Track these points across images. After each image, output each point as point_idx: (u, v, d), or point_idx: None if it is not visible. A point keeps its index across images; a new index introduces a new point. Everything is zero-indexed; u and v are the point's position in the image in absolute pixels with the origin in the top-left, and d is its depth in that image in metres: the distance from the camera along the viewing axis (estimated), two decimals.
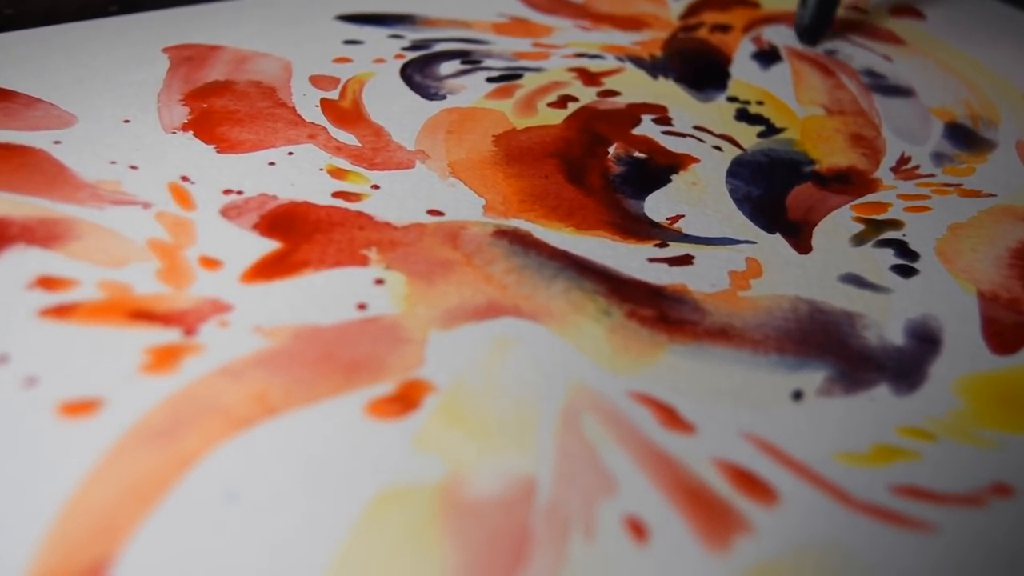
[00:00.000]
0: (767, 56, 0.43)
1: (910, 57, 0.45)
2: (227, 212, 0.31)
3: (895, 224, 0.35)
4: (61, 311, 0.27)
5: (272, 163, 0.33)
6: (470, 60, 0.40)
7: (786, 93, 0.41)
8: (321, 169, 0.33)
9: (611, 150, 0.36)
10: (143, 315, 0.27)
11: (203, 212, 0.31)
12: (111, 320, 0.27)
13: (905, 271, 0.33)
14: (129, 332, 0.27)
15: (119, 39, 0.39)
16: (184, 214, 0.31)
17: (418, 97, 0.37)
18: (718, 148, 0.37)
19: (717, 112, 0.39)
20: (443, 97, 0.37)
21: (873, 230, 0.34)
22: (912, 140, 0.39)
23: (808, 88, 0.41)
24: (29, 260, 0.29)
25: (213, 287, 0.28)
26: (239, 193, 0.32)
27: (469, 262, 0.30)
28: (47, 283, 0.28)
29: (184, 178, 0.32)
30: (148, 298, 0.28)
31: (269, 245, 0.30)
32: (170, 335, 0.27)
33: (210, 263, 0.29)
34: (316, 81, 0.38)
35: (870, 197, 0.36)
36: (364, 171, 0.33)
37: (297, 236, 0.30)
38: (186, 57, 0.38)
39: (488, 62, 0.40)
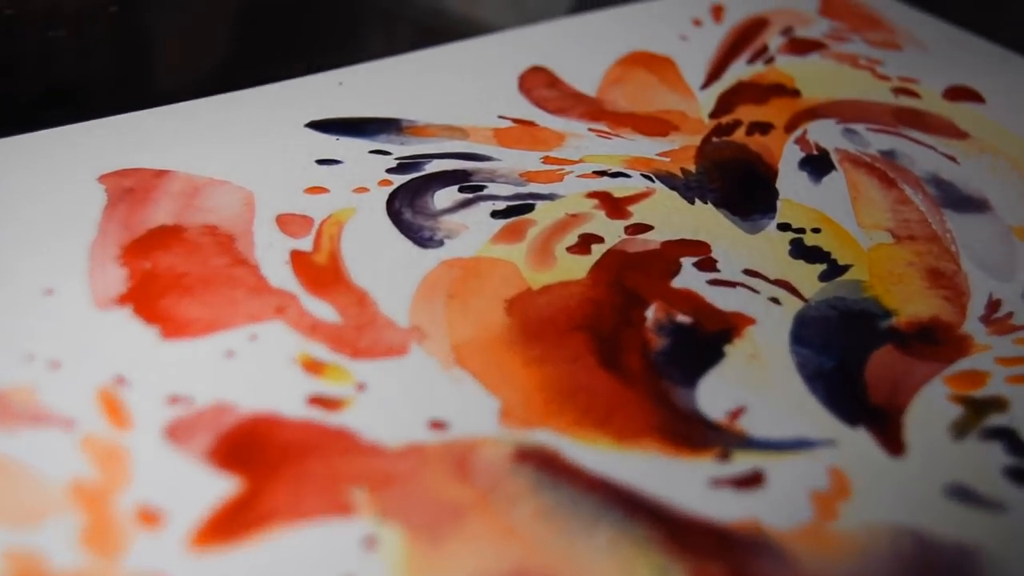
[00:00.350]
0: (817, 163, 0.36)
1: (977, 156, 0.38)
2: (173, 433, 0.24)
3: (999, 404, 0.28)
4: None
5: (231, 353, 0.26)
6: (470, 186, 0.32)
7: (844, 214, 0.34)
8: (293, 360, 0.26)
9: (649, 314, 0.28)
10: None
11: (142, 433, 0.24)
12: None
13: (1021, 476, 0.26)
14: None
15: (46, 162, 0.31)
16: (117, 436, 0.24)
17: (410, 244, 0.30)
18: (775, 300, 0.30)
19: (768, 246, 0.32)
20: (440, 243, 0.30)
21: (974, 414, 0.27)
22: (997, 274, 0.32)
23: (869, 206, 0.34)
24: None
25: (154, 557, 0.22)
26: (188, 401, 0.24)
27: (484, 504, 0.23)
28: None
29: (119, 380, 0.25)
30: None
31: (226, 486, 0.23)
32: None
33: (149, 517, 0.22)
34: (284, 223, 0.30)
35: (963, 363, 0.29)
36: (346, 362, 0.26)
37: (262, 469, 0.23)
38: (127, 189, 0.31)
39: (492, 188, 0.33)
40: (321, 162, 0.33)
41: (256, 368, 0.26)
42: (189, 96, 0.38)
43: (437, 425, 0.25)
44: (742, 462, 0.26)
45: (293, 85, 0.37)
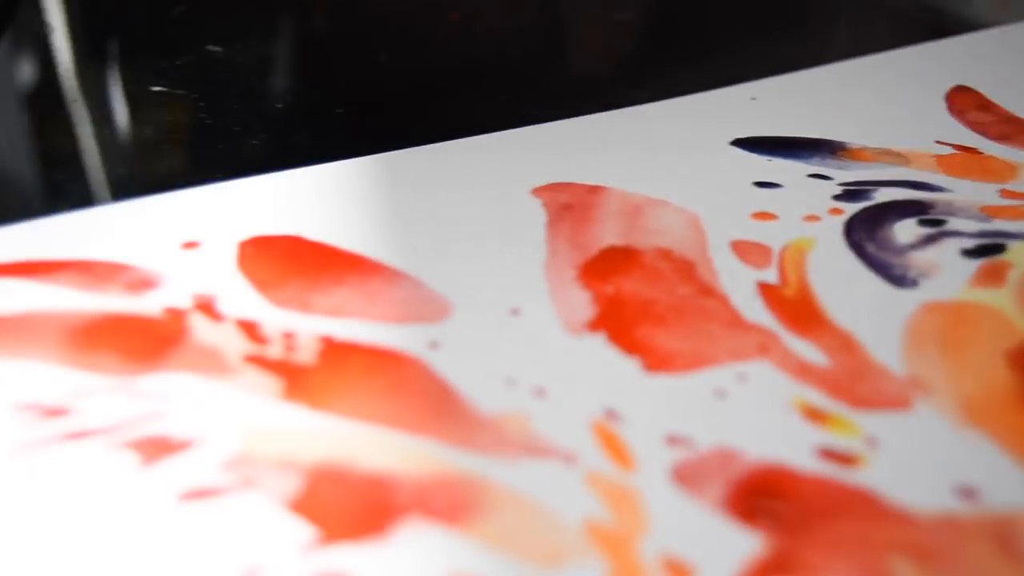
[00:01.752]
0: None
1: None
2: (680, 475, 0.22)
3: None
4: None
5: (721, 392, 0.24)
6: (929, 220, 0.30)
7: None
8: (790, 406, 0.24)
9: None
10: None
11: (646, 473, 0.22)
12: None
13: None
14: None
15: (474, 172, 0.30)
16: (622, 476, 0.22)
17: (882, 281, 0.27)
18: None
19: None
20: (915, 282, 0.27)
21: None
22: None
23: None
24: (430, 545, 0.20)
25: None
26: (688, 443, 0.23)
27: None
28: None
29: (609, 413, 0.23)
30: None
31: (749, 542, 0.21)
32: None
33: (678, 570, 0.20)
34: (740, 250, 0.28)
35: None
36: (846, 412, 0.24)
37: (786, 527, 0.21)
38: (564, 204, 0.29)
39: (953, 223, 0.30)
40: (759, 184, 0.31)
41: (752, 411, 0.24)
42: None
43: (966, 492, 0.23)
44: None
45: (703, 99, 0.35)
